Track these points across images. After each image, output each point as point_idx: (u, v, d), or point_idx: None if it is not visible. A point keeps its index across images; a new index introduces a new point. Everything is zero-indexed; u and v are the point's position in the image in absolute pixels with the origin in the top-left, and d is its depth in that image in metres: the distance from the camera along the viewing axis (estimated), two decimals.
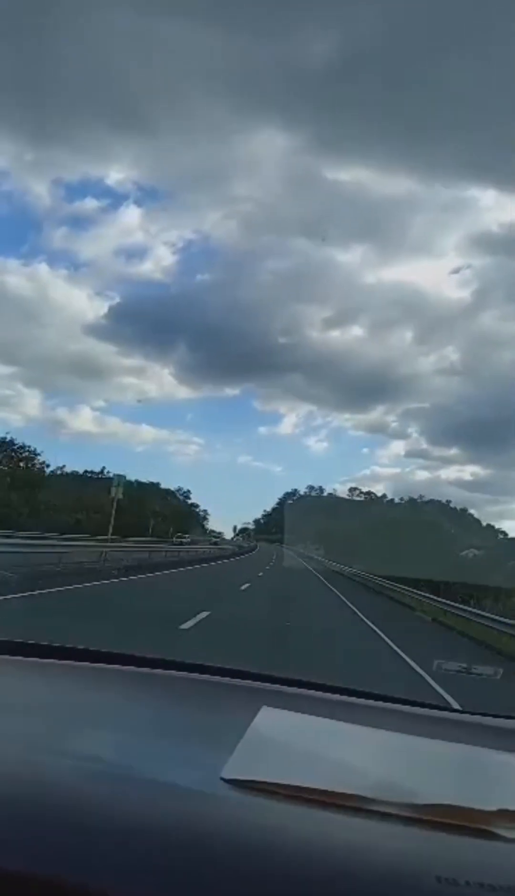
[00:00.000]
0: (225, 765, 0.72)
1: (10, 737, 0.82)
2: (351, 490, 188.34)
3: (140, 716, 1.04)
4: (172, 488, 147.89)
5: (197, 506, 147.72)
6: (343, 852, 0.58)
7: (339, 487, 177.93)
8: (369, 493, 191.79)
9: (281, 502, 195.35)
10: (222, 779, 0.70)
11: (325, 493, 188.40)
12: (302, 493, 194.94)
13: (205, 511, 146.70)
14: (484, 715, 1.15)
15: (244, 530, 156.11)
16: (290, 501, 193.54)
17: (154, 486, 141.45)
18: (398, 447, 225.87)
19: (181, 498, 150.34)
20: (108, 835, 0.58)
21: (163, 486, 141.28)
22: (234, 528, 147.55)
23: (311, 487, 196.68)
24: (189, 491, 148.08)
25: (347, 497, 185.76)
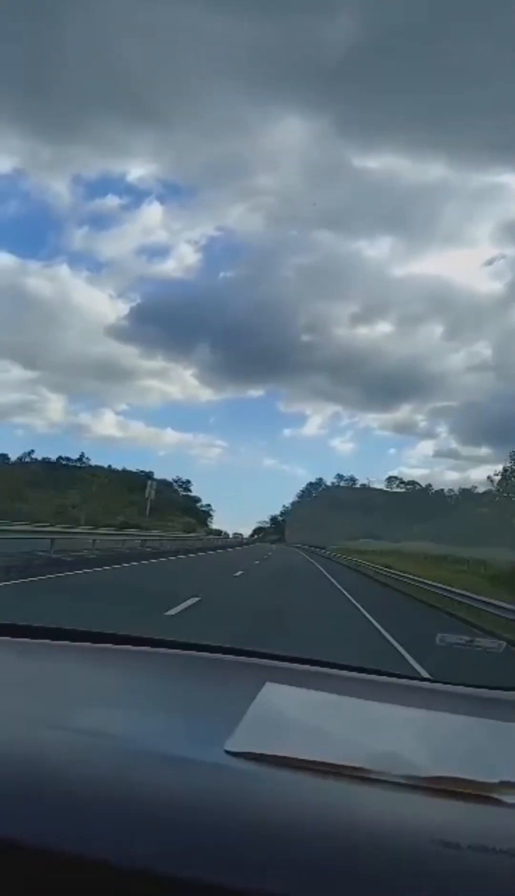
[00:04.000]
0: (229, 738, 0.73)
1: (11, 714, 0.82)
2: (390, 479, 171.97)
3: (144, 692, 1.06)
4: (169, 479, 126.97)
5: (198, 500, 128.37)
6: (345, 820, 0.59)
7: (373, 478, 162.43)
8: (413, 482, 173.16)
9: (304, 494, 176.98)
10: (226, 751, 0.70)
11: (358, 485, 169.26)
12: (329, 483, 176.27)
13: (208, 506, 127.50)
14: (486, 688, 1.17)
15: (261, 529, 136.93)
16: (315, 493, 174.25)
17: (144, 477, 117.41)
18: (426, 447, 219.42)
19: (177, 489, 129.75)
20: (113, 806, 0.58)
21: (157, 475, 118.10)
22: (255, 529, 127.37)
23: (341, 476, 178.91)
24: (188, 482, 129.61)
25: (385, 488, 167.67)
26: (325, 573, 26.00)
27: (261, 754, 0.69)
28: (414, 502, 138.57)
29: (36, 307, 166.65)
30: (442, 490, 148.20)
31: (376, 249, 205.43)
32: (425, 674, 4.84)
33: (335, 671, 1.22)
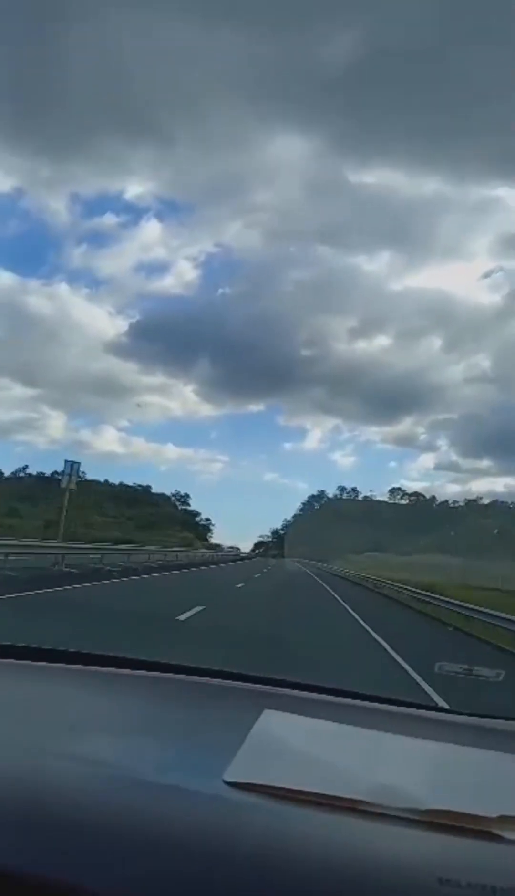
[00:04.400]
0: (227, 767, 0.73)
1: (9, 740, 0.82)
2: (393, 491, 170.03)
3: (142, 719, 1.05)
4: (167, 492, 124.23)
5: (197, 514, 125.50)
6: (345, 854, 0.59)
7: (375, 491, 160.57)
8: (416, 493, 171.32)
9: (306, 507, 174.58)
10: (225, 781, 0.70)
11: (360, 497, 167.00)
12: (331, 495, 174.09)
13: (207, 520, 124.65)
14: (486, 717, 1.16)
15: (261, 544, 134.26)
16: (317, 506, 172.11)
17: (141, 489, 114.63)
18: (427, 460, 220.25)
19: (175, 503, 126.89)
20: (110, 837, 0.58)
21: (153, 489, 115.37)
22: (256, 543, 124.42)
23: (343, 489, 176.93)
24: (187, 496, 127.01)
25: (388, 500, 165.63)
26: (342, 603, 18.61)
27: (260, 785, 0.69)
28: (418, 514, 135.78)
29: (36, 325, 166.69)
30: (446, 502, 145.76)
31: (375, 264, 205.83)
32: None
33: (335, 698, 1.20)
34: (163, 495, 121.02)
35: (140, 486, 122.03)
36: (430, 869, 0.56)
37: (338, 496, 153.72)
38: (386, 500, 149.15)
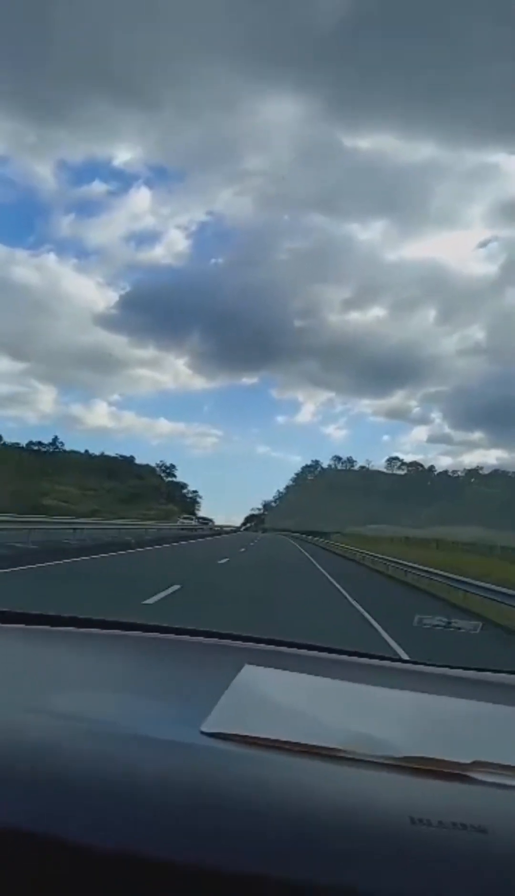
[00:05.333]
0: (206, 719, 0.74)
1: None
2: (391, 461, 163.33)
3: (121, 676, 1.06)
4: (152, 463, 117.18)
5: (184, 486, 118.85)
6: (317, 799, 0.60)
7: (372, 461, 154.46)
8: (415, 463, 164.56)
9: (299, 478, 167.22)
10: (202, 732, 0.71)
11: (357, 467, 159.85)
12: (325, 465, 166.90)
13: (195, 492, 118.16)
14: (458, 668, 1.18)
15: (253, 517, 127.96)
16: (311, 477, 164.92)
17: (124, 460, 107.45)
18: (420, 433, 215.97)
19: (161, 475, 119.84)
20: (87, 787, 0.59)
21: (138, 461, 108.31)
22: (248, 516, 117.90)
23: (338, 458, 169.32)
24: (173, 466, 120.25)
25: (385, 470, 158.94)
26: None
27: (237, 734, 0.70)
28: (416, 484, 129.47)
29: (23, 297, 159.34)
30: (446, 471, 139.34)
31: (369, 232, 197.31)
32: None
33: (314, 653, 1.22)
34: (147, 466, 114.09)
35: (122, 456, 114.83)
36: (403, 809, 0.57)
37: (333, 466, 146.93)
38: (384, 470, 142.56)
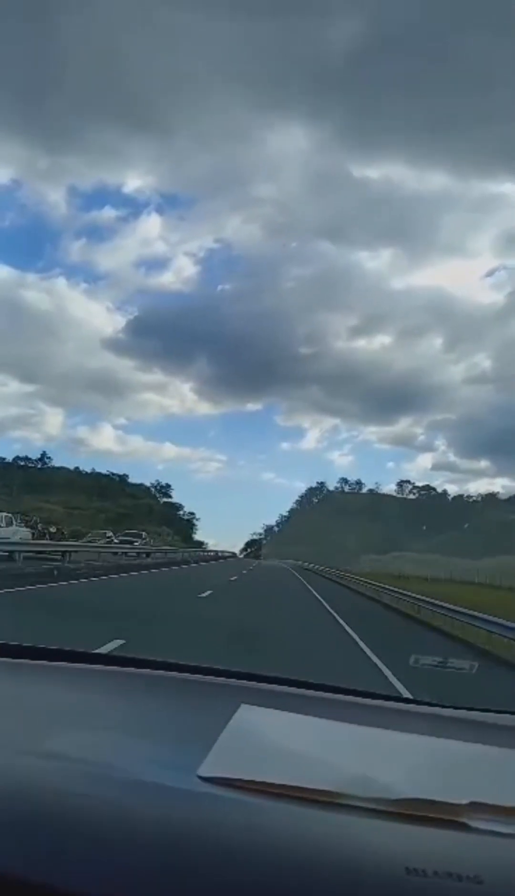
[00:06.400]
0: (202, 762, 0.74)
1: None
2: (402, 484, 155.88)
3: (116, 715, 1.04)
4: (147, 483, 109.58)
5: (179, 507, 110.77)
6: (315, 847, 0.60)
7: (382, 483, 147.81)
8: (427, 487, 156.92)
9: (304, 501, 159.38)
10: (199, 776, 0.71)
11: (365, 490, 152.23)
12: (332, 488, 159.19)
13: (191, 514, 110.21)
14: (456, 708, 1.18)
15: (253, 542, 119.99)
16: (316, 499, 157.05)
17: (117, 479, 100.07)
18: (425, 460, 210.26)
19: (156, 495, 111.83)
20: (82, 833, 0.58)
21: (131, 479, 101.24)
22: (248, 542, 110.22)
23: (345, 481, 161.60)
24: (168, 486, 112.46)
25: (395, 494, 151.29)
26: None
27: (234, 779, 0.69)
28: (429, 509, 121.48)
29: (33, 320, 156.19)
30: (461, 496, 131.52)
31: (376, 260, 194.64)
32: None
33: (311, 692, 1.20)
34: (141, 486, 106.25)
35: (114, 474, 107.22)
36: (398, 859, 0.56)
37: (340, 489, 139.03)
38: (394, 493, 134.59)
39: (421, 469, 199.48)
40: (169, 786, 0.70)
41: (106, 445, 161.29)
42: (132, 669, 1.24)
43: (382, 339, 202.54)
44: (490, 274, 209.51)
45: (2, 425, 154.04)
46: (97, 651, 4.26)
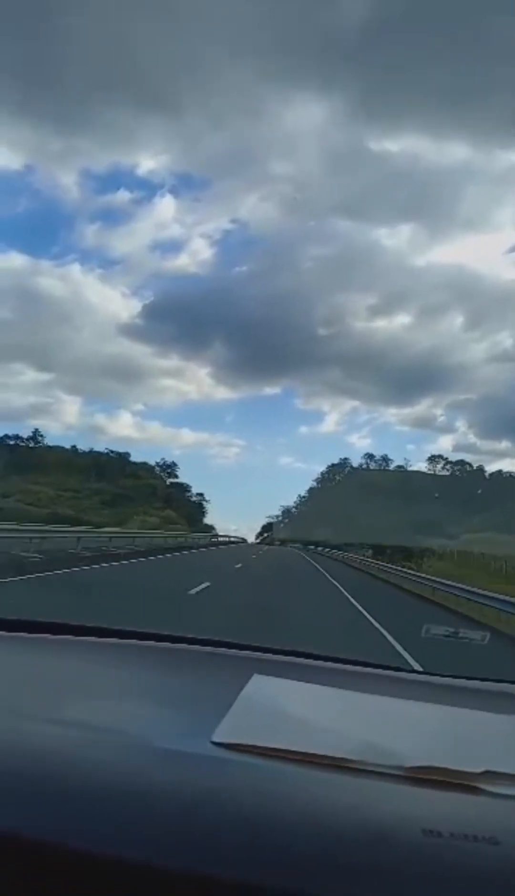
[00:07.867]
0: (215, 729, 0.74)
1: (1, 708, 0.83)
2: (433, 459, 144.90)
3: (132, 686, 1.06)
4: (151, 462, 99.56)
5: (187, 488, 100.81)
6: (330, 809, 0.60)
7: (411, 458, 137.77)
8: (461, 462, 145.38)
9: (326, 478, 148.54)
10: (212, 742, 0.71)
11: (392, 466, 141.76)
12: (355, 464, 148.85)
13: (200, 495, 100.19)
14: (469, 678, 1.19)
15: (269, 526, 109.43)
16: (338, 477, 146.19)
17: (116, 456, 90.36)
18: (445, 442, 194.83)
19: (161, 475, 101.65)
20: (97, 797, 0.59)
21: (132, 458, 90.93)
22: (264, 526, 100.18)
23: (370, 456, 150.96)
24: (174, 465, 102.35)
25: (425, 471, 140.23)
26: None
27: (247, 745, 0.70)
28: (465, 486, 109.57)
29: (48, 308, 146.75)
30: (500, 471, 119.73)
31: (396, 237, 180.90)
32: None
33: (323, 663, 1.22)
34: (144, 465, 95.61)
35: (115, 452, 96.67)
36: (414, 821, 0.57)
37: (365, 465, 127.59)
38: (425, 470, 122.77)
39: (441, 451, 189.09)
40: (183, 751, 0.70)
41: (125, 432, 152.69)
42: (149, 643, 1.26)
43: (402, 319, 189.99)
44: (513, 249, 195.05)
45: (20, 414, 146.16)
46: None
